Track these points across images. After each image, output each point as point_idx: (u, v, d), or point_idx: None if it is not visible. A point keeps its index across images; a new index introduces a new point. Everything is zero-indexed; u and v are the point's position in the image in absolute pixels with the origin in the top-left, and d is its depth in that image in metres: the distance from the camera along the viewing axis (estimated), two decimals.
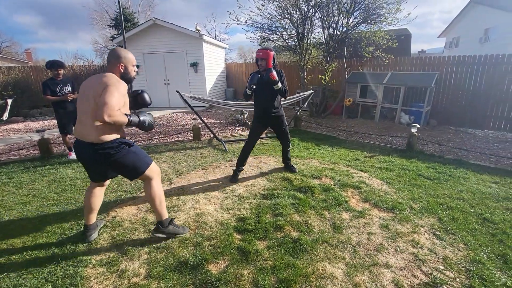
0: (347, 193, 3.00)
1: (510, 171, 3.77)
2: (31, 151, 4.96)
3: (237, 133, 6.22)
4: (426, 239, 2.20)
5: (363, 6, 6.48)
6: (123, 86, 1.89)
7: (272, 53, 3.07)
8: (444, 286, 1.71)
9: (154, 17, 9.08)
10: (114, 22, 16.90)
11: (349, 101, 7.37)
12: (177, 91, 4.57)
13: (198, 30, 9.25)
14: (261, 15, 7.43)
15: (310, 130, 6.46)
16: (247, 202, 2.82)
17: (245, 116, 6.77)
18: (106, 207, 2.78)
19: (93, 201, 2.20)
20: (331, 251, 2.04)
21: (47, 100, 4.17)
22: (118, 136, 1.95)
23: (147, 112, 2.14)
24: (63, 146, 4.91)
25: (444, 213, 2.59)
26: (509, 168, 3.89)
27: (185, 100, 4.65)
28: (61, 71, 4.26)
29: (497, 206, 2.75)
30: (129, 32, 9.34)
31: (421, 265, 1.89)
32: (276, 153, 4.59)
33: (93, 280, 1.82)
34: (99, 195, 2.24)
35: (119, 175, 2.34)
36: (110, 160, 1.92)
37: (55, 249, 2.11)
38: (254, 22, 7.60)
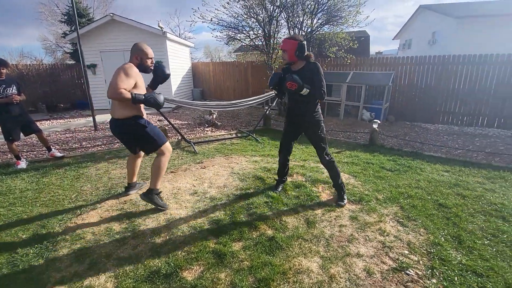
0: (318, 188, 3.08)
1: (459, 160, 4.20)
2: None
3: (206, 134, 6.09)
4: (392, 227, 2.35)
5: (326, 8, 6.75)
6: (135, 71, 2.30)
7: (295, 42, 2.42)
8: (410, 269, 1.83)
9: (111, 13, 8.51)
10: (66, 17, 15.51)
11: None
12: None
13: (161, 28, 8.87)
14: (227, 14, 7.39)
15: (279, 129, 6.55)
16: (220, 204, 2.76)
17: (214, 116, 6.65)
18: (63, 220, 2.53)
19: (132, 167, 2.86)
20: (306, 246, 2.08)
21: None
22: (135, 114, 2.41)
23: (158, 93, 2.44)
24: (9, 155, 4.38)
25: (406, 201, 2.79)
26: (457, 158, 4.32)
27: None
28: (4, 70, 3.79)
29: (450, 192, 3.03)
30: (83, 28, 8.64)
31: (389, 252, 2.01)
32: (246, 152, 4.57)
33: None
34: (136, 163, 2.86)
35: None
36: (131, 133, 2.45)
37: (4, 271, 1.86)
38: (220, 20, 7.52)
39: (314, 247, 2.07)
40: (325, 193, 2.97)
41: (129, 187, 2.98)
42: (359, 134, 6.04)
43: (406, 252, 2.02)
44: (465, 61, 6.49)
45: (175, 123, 7.26)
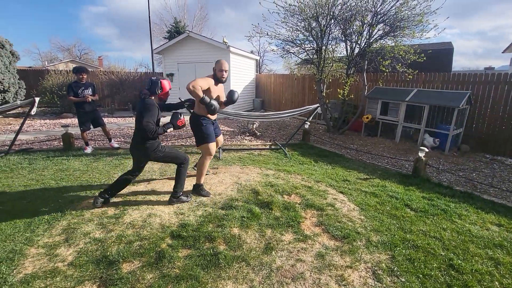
0: (306, 214, 2.82)
1: None
2: (61, 143, 5.76)
3: (242, 142, 6.30)
4: (359, 277, 1.96)
5: (386, 19, 6.08)
6: (210, 80, 3.05)
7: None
8: None
9: (188, 30, 9.85)
10: (168, 34, 18.70)
11: (367, 117, 6.87)
12: (179, 98, 4.86)
13: (226, 42, 9.72)
14: (285, 28, 7.49)
15: (317, 145, 6.20)
16: (203, 210, 2.86)
17: (255, 126, 6.82)
18: (83, 197, 3.09)
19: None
20: (245, 271, 1.96)
21: (69, 100, 4.85)
22: (205, 114, 3.08)
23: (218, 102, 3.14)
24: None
25: (404, 251, 2.26)
26: None
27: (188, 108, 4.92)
28: (85, 76, 4.92)
29: (480, 253, 2.29)
30: (167, 43, 10.29)
31: None
32: (267, 165, 4.53)
33: (28, 259, 2.07)
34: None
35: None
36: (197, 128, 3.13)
37: (20, 227, 2.45)
38: (277, 34, 7.69)
39: (252, 274, 1.93)
40: (310, 221, 2.70)
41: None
42: (410, 162, 5.14)
43: None
44: None
45: (222, 130, 7.80)
